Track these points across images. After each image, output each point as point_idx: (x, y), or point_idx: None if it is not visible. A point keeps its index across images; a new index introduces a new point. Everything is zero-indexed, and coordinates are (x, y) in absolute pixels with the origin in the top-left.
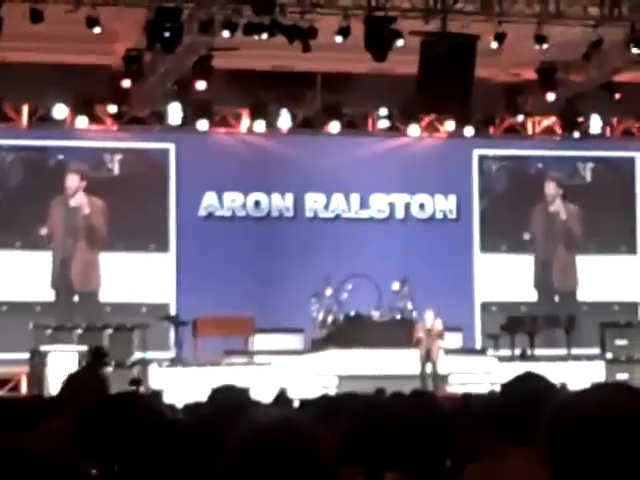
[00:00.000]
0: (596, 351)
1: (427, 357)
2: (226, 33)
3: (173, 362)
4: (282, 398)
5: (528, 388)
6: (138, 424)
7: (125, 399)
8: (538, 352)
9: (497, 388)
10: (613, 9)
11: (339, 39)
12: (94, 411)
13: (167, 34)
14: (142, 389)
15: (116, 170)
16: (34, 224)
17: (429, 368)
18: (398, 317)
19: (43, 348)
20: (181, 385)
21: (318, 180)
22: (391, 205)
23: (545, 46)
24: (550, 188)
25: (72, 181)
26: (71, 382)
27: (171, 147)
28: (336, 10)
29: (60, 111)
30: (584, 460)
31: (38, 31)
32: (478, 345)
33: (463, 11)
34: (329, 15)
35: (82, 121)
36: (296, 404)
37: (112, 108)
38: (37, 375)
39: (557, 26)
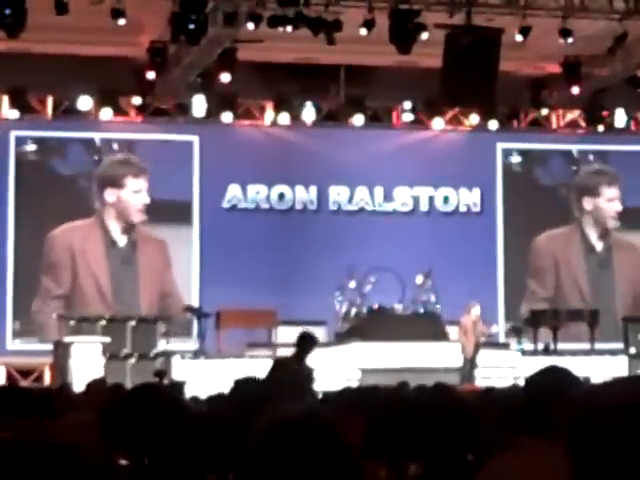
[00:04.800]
0: (619, 346)
1: (475, 349)
2: (251, 25)
3: (196, 354)
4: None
5: (552, 381)
6: (162, 416)
7: (150, 391)
8: (561, 346)
9: (520, 382)
10: (638, 3)
11: (364, 32)
12: (120, 403)
13: (192, 26)
14: (165, 381)
15: None
16: (60, 215)
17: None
18: (421, 310)
19: (67, 339)
20: (204, 377)
21: (342, 173)
22: (415, 198)
23: (570, 40)
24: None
25: None
26: (278, 369)
27: (195, 139)
28: (361, 3)
29: (85, 103)
30: (606, 452)
31: (63, 22)
32: (501, 339)
33: (488, 4)
34: (354, 8)
35: (106, 113)
36: (319, 397)
37: (136, 100)
38: (61, 366)
39: (582, 20)
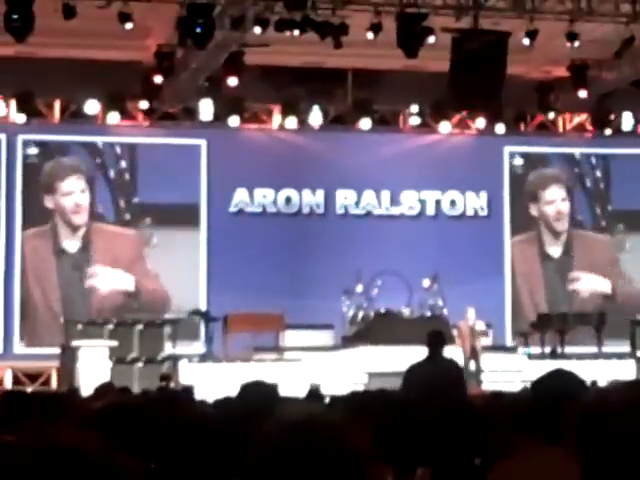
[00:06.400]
0: (626, 349)
1: (471, 354)
2: (258, 29)
3: (203, 358)
4: (314, 394)
5: (559, 385)
6: (170, 420)
7: (157, 395)
8: (568, 350)
9: (527, 386)
10: None
11: (370, 36)
12: (126, 407)
13: (199, 30)
14: (172, 385)
15: None
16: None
17: (472, 366)
18: (428, 314)
19: (74, 343)
20: (211, 381)
21: (349, 177)
22: (422, 202)
23: (577, 43)
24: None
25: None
26: (413, 371)
27: (202, 143)
28: (368, 6)
29: (92, 107)
30: (616, 456)
31: (70, 27)
32: (508, 343)
33: (495, 8)
34: (361, 11)
35: (114, 117)
36: (326, 400)
37: (144, 104)
38: (68, 370)
39: (589, 23)
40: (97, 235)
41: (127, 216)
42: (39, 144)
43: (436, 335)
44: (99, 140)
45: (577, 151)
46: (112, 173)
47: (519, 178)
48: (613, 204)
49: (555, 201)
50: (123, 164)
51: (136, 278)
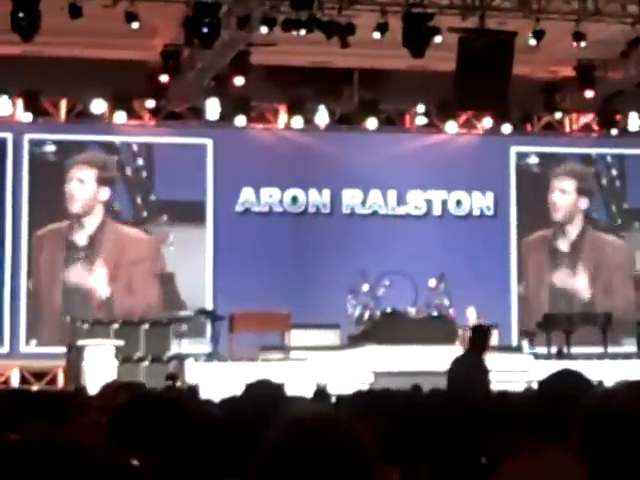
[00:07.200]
0: (633, 349)
1: None
2: (264, 29)
3: (209, 357)
4: (321, 394)
5: (565, 385)
6: (176, 419)
7: (163, 394)
8: (574, 350)
9: (533, 386)
10: None
11: (377, 35)
12: (133, 406)
13: (205, 29)
14: (179, 384)
15: None
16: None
17: None
18: (435, 314)
19: (80, 342)
20: (217, 380)
21: (355, 176)
22: (428, 202)
23: (583, 43)
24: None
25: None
26: (452, 367)
27: (209, 143)
28: (374, 6)
29: (98, 106)
30: (621, 456)
31: (77, 26)
32: (514, 342)
33: (501, 8)
34: (367, 11)
35: (120, 116)
36: (332, 400)
37: (150, 103)
38: (74, 369)
39: (596, 23)
40: (108, 233)
41: (144, 214)
42: (56, 142)
43: (477, 332)
44: (106, 140)
45: (584, 151)
46: (129, 171)
47: (535, 177)
48: (629, 202)
49: (555, 191)
50: (140, 162)
51: (142, 281)
